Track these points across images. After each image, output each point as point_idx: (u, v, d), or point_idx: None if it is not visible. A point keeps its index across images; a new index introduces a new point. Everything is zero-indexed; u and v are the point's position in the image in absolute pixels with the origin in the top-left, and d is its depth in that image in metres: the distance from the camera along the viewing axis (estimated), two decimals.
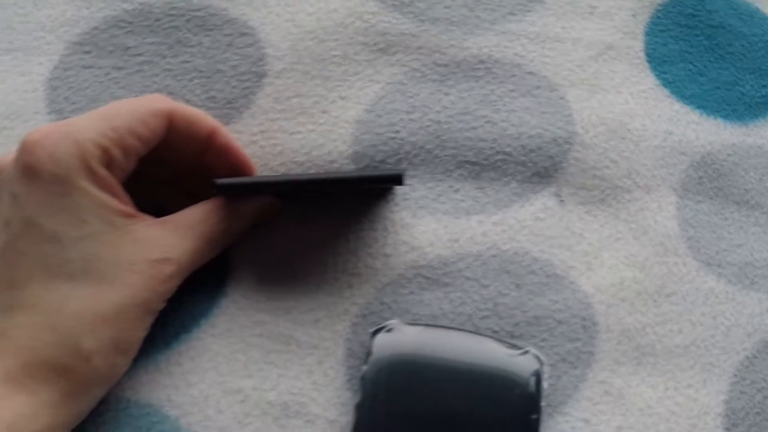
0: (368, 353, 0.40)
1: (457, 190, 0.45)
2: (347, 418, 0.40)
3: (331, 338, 0.42)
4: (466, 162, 0.46)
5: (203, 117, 0.41)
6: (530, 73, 0.48)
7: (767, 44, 0.52)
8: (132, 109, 0.39)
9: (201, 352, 0.42)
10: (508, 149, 0.46)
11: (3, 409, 0.34)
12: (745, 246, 0.46)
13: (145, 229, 0.38)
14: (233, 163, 0.43)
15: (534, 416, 0.39)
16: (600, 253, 0.45)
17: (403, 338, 0.40)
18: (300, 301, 0.43)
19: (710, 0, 0.53)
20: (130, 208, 0.38)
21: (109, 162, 0.37)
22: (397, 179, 0.40)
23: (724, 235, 0.46)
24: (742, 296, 0.45)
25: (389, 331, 0.40)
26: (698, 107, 0.50)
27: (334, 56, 0.48)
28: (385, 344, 0.40)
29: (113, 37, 0.49)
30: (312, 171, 0.45)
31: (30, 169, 0.36)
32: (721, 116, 0.50)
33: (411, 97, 0.47)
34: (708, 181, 0.48)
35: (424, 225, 0.44)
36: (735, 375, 0.43)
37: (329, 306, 0.43)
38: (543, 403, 0.39)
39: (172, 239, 0.39)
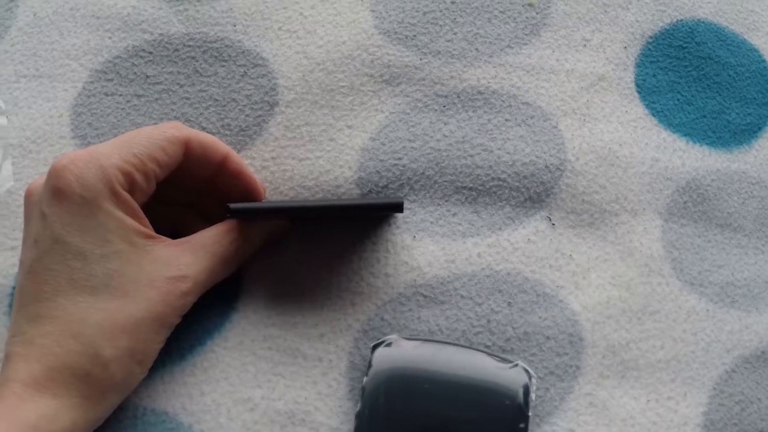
0: (369, 366, 0.42)
1: (454, 214, 0.47)
2: (349, 426, 0.42)
3: (335, 352, 0.44)
4: (464, 187, 0.48)
5: (217, 143, 0.43)
6: (525, 103, 0.50)
7: (753, 74, 0.54)
8: (151, 136, 0.40)
9: (214, 363, 0.43)
10: (503, 176, 0.48)
11: (28, 410, 0.36)
12: (727, 266, 0.48)
13: (163, 248, 0.40)
14: (244, 187, 0.45)
15: (522, 425, 0.40)
16: (588, 274, 0.46)
17: (401, 352, 0.42)
18: (306, 316, 0.45)
19: (699, 32, 0.54)
20: (149, 230, 0.40)
21: (131, 186, 0.39)
22: (398, 207, 0.42)
23: (707, 256, 0.48)
24: (723, 314, 0.47)
25: (388, 345, 0.42)
26: (685, 135, 0.51)
27: (342, 87, 0.50)
28: (385, 358, 0.42)
29: (134, 66, 0.51)
30: (319, 195, 0.47)
31: (59, 191, 0.38)
32: (707, 143, 0.51)
33: (413, 126, 0.49)
34: (692, 206, 0.49)
35: (423, 247, 0.46)
36: (714, 388, 0.45)
37: (333, 322, 0.44)
38: (531, 414, 0.41)
39: (188, 258, 0.40)
